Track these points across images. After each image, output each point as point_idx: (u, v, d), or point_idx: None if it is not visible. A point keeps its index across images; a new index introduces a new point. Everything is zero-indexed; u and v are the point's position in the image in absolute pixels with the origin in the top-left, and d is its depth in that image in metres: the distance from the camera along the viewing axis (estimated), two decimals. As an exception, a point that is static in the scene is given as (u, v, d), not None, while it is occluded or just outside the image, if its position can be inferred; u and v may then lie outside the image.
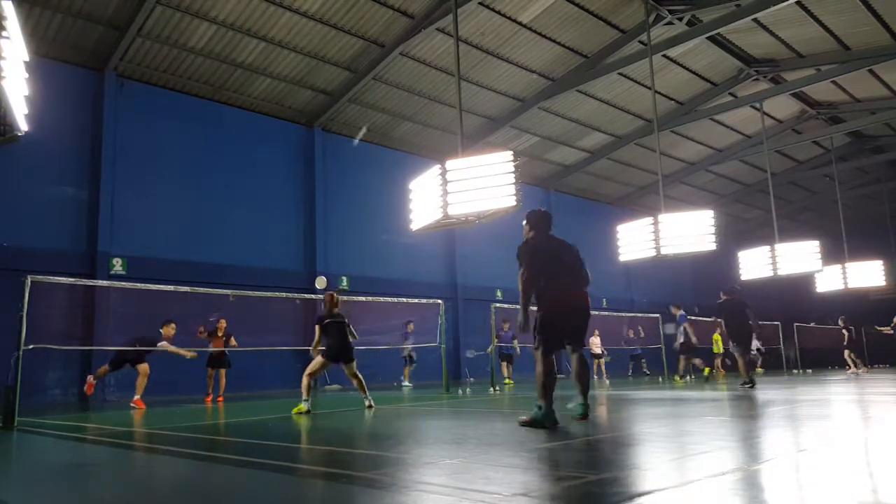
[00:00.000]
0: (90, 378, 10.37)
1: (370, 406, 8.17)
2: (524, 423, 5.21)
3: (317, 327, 8.28)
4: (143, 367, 10.16)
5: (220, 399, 11.46)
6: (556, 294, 5.47)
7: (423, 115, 18.18)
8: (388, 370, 16.56)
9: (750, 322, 11.56)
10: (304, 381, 8.07)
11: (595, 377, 18.46)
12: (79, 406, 10.41)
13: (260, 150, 16.28)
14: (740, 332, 11.40)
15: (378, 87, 16.58)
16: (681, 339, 15.55)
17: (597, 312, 19.61)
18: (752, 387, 10.70)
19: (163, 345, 10.34)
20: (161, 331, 10.45)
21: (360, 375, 8.33)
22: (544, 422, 5.07)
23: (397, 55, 15.22)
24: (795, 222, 29.90)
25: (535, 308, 5.59)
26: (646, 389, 11.99)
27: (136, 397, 9.94)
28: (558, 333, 5.47)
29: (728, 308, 11.52)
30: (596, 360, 18.94)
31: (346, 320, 8.39)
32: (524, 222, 5.97)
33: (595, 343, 18.82)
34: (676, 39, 14.87)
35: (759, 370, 21.08)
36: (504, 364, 16.39)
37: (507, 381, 16.01)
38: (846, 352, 18.36)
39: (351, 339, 8.33)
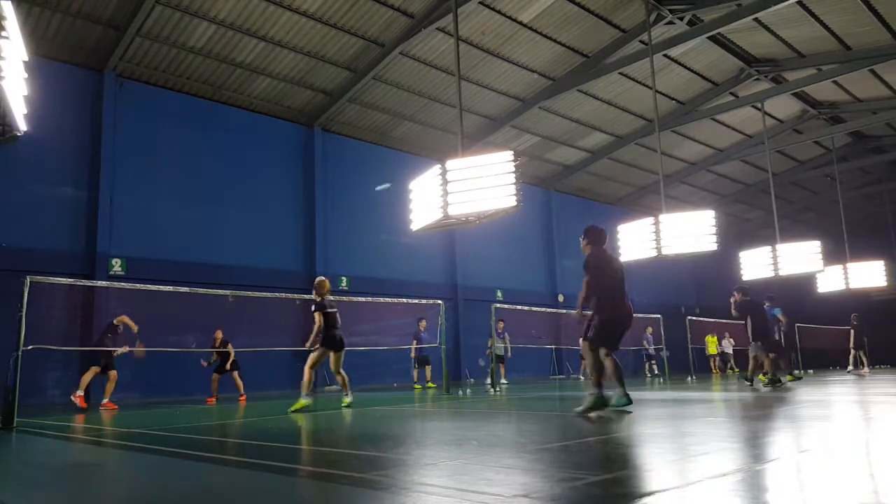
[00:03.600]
0: (80, 393, 10.40)
1: (349, 404, 8.27)
2: (583, 411, 6.09)
3: (318, 315, 8.29)
4: (113, 373, 10.48)
5: (243, 398, 11.70)
6: (616, 303, 6.43)
7: (423, 115, 18.16)
8: (390, 371, 16.57)
9: (769, 321, 11.76)
10: (307, 375, 8.10)
11: (582, 377, 19.08)
12: (78, 407, 10.39)
13: (260, 150, 16.26)
14: (761, 332, 11.43)
15: (378, 87, 16.56)
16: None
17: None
18: (779, 384, 10.87)
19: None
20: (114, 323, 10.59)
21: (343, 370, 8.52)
22: (600, 405, 6.10)
23: (397, 55, 15.20)
24: (796, 222, 29.87)
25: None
26: (648, 390, 11.96)
27: (106, 399, 10.28)
28: (612, 336, 6.43)
29: (749, 307, 11.54)
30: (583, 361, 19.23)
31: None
32: (582, 237, 6.72)
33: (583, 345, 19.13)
34: (677, 39, 14.86)
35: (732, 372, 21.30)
36: (427, 368, 15.29)
37: (429, 384, 14.99)
38: (857, 351, 18.04)
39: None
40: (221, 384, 11.96)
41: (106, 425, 7.36)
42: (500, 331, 16.10)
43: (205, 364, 11.88)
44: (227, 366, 11.97)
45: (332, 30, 14.32)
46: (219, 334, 12.07)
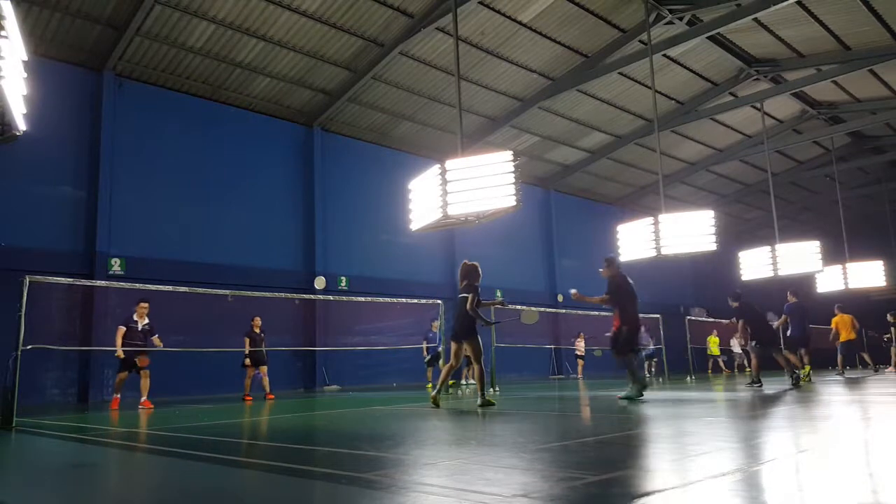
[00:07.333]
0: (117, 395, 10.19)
1: (482, 404, 7.45)
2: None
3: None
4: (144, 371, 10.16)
5: (271, 397, 11.47)
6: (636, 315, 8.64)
7: (422, 114, 18.16)
8: (390, 370, 16.55)
9: (770, 323, 11.96)
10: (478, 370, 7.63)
11: (575, 375, 20.06)
12: (77, 406, 10.39)
13: (259, 149, 16.26)
14: (762, 332, 11.50)
15: (377, 87, 16.56)
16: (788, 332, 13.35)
17: (597, 313, 19.77)
18: (760, 386, 10.89)
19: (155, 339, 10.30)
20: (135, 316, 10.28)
21: (478, 364, 7.66)
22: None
23: (397, 55, 15.20)
24: (796, 222, 29.88)
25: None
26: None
27: (144, 398, 9.91)
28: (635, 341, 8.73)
29: (748, 309, 11.57)
30: (580, 362, 20.33)
31: (470, 294, 7.70)
32: (607, 266, 8.79)
33: (579, 346, 19.74)
34: (677, 39, 14.86)
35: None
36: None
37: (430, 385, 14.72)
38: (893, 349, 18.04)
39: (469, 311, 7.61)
40: (232, 382, 11.82)
41: (104, 425, 7.36)
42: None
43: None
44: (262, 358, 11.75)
45: (332, 29, 14.32)
46: (257, 321, 11.88)
